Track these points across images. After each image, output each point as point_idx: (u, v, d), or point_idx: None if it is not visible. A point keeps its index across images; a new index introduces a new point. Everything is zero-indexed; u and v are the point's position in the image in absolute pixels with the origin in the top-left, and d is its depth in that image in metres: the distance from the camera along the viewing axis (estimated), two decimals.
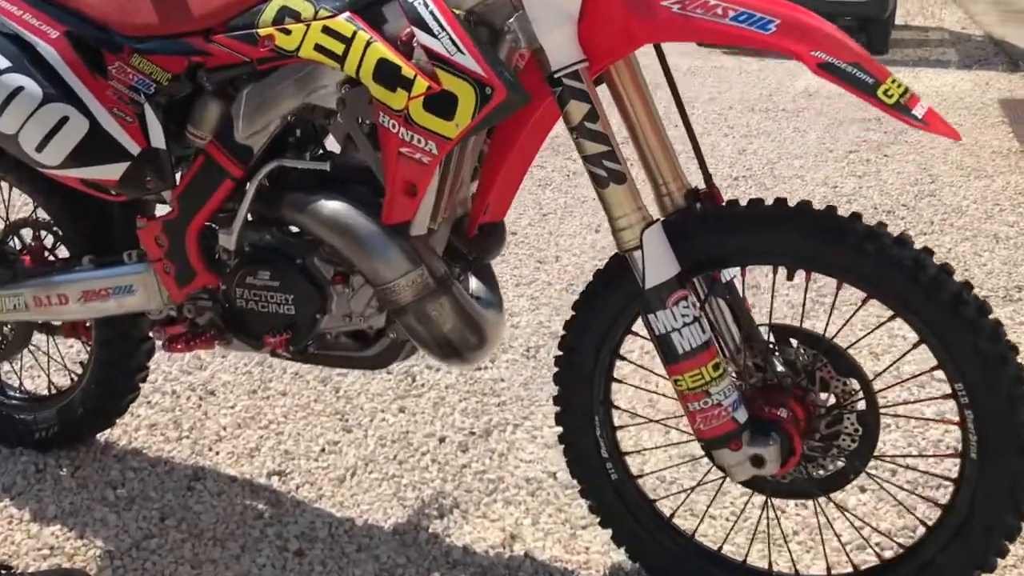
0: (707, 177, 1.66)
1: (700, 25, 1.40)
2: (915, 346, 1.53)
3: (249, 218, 1.77)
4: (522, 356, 2.77)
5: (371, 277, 1.61)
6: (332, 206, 1.63)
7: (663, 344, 1.53)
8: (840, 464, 1.62)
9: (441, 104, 1.46)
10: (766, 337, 1.64)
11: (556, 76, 1.46)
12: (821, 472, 1.64)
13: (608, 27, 1.46)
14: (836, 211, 1.50)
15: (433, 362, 2.71)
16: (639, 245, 1.51)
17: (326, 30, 1.56)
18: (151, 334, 1.93)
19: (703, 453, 1.66)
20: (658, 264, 1.50)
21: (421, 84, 1.48)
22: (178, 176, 1.80)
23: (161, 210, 1.88)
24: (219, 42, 1.67)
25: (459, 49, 1.44)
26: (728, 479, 1.65)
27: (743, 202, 1.57)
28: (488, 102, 1.43)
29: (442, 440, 2.34)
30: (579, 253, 3.62)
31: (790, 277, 1.57)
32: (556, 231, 3.87)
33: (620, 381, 1.77)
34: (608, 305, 1.65)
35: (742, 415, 1.55)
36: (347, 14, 1.56)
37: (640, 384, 2.18)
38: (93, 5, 1.77)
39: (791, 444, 1.57)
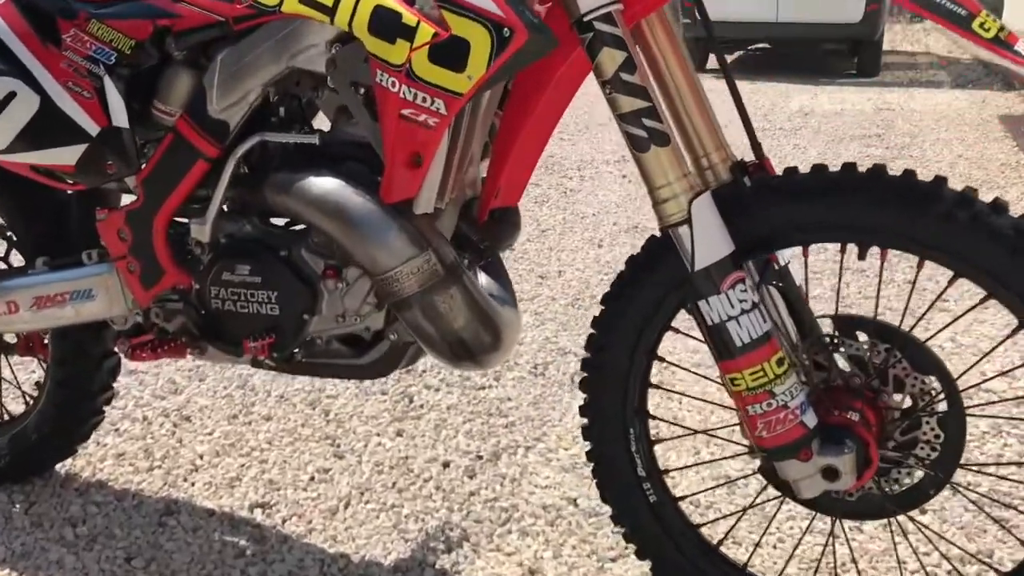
0: (756, 146, 1.44)
1: None
2: (1014, 332, 1.30)
3: (224, 207, 1.53)
4: (529, 373, 2.53)
5: (369, 265, 1.37)
6: (322, 183, 1.39)
7: (717, 336, 1.30)
8: (919, 476, 1.38)
9: (450, 53, 1.24)
10: (828, 330, 1.41)
11: (586, 20, 1.24)
12: (896, 486, 1.40)
13: None
14: (916, 175, 1.28)
15: (433, 381, 2.46)
16: (687, 218, 1.28)
17: None
18: (116, 348, 1.67)
19: (746, 469, 1.42)
20: (710, 240, 1.27)
21: (426, 31, 1.25)
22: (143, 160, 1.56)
23: (125, 200, 1.64)
24: (189, 1, 1.45)
25: None
26: (786, 498, 1.41)
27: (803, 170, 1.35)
28: (506, 46, 1.21)
29: (446, 465, 2.09)
30: (583, 268, 3.39)
31: (862, 256, 1.34)
32: (557, 246, 3.65)
33: (658, 387, 1.53)
34: (646, 295, 1.42)
35: (811, 419, 1.31)
36: None
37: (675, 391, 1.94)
38: None
39: (867, 453, 1.33)
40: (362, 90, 1.38)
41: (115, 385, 1.96)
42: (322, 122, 1.53)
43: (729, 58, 10.98)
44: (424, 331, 1.40)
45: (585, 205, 4.20)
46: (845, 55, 9.76)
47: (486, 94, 1.38)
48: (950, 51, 11.50)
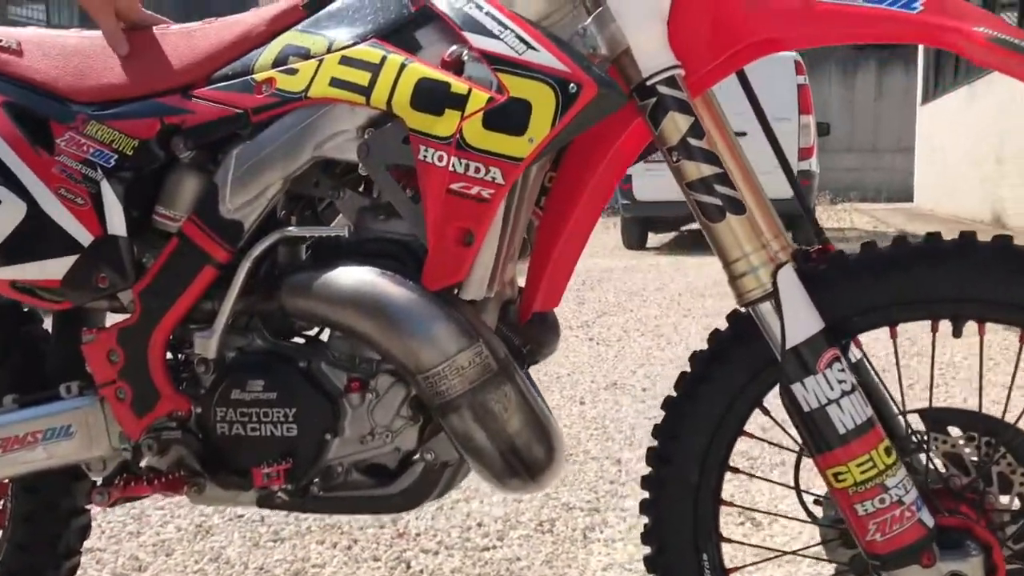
0: (818, 232, 1.35)
1: (829, 10, 1.12)
2: None
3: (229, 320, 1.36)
4: (535, 531, 2.31)
5: (413, 363, 1.20)
6: (354, 275, 1.24)
7: (815, 424, 1.14)
8: None
9: (509, 116, 1.13)
10: (914, 425, 1.27)
11: (649, 84, 1.15)
12: None
13: (704, 23, 1.17)
14: (1012, 241, 1.19)
15: (429, 544, 2.22)
16: (770, 292, 1.16)
17: (346, 61, 1.25)
18: (95, 498, 1.43)
19: None
20: (800, 315, 1.15)
21: (479, 97, 1.15)
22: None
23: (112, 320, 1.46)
24: (202, 97, 1.33)
25: (530, 46, 1.13)
26: None
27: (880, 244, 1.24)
28: (573, 102, 1.10)
29: None
30: (569, 424, 3.22)
31: (957, 333, 1.23)
32: None
33: (729, 503, 1.35)
34: (718, 391, 1.27)
35: (928, 518, 1.15)
36: (372, 40, 1.25)
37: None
38: (39, 70, 1.42)
39: (991, 557, 1.16)
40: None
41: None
42: None
43: (665, 238, 11.27)
44: (473, 439, 1.21)
45: (558, 366, 4.07)
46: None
47: (531, 176, 1.27)
48: (875, 226, 12.00)
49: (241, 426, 1.31)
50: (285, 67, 1.29)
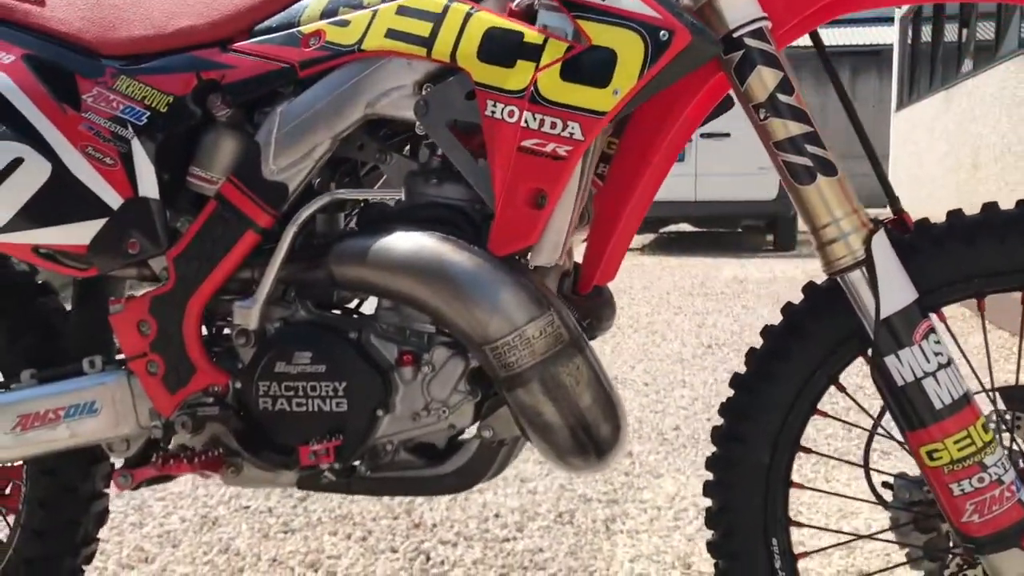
0: (893, 200, 1.28)
1: None
2: None
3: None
4: (555, 522, 2.23)
5: (480, 332, 1.12)
6: (413, 240, 1.16)
7: (909, 399, 1.08)
8: None
9: (590, 66, 1.06)
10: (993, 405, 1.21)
11: (736, 36, 1.09)
12: None
13: None
14: None
15: (448, 535, 2.14)
16: (861, 260, 1.09)
17: (403, 10, 1.17)
18: (118, 480, 1.34)
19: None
20: (895, 284, 1.08)
21: (556, 47, 1.07)
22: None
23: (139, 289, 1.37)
24: (243, 50, 1.25)
25: None
26: None
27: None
28: (664, 51, 1.03)
29: None
30: None
31: None
32: None
33: (800, 486, 1.29)
34: (794, 367, 1.20)
35: None
36: None
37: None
38: (63, 20, 1.33)
39: None
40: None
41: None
42: None
43: (646, 239, 11.25)
44: (542, 414, 1.14)
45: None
46: (758, 232, 10.09)
47: (598, 137, 1.19)
48: None
49: (286, 401, 1.23)
50: (335, 19, 1.21)
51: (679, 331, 4.84)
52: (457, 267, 1.13)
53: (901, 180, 15.55)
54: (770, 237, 9.71)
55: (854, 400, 1.25)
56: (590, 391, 1.14)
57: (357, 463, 1.26)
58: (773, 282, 6.85)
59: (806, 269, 7.61)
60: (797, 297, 1.22)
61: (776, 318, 1.23)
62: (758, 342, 1.25)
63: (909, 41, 12.54)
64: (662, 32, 1.03)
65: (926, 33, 12.81)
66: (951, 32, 12.04)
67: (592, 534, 2.16)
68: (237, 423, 1.27)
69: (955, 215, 1.17)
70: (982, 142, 10.72)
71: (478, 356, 1.15)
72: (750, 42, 1.09)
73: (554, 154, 1.08)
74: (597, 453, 1.17)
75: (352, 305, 1.39)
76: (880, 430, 1.23)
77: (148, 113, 1.26)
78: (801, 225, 12.33)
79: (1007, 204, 1.14)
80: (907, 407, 1.09)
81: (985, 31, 11.03)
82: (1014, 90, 8.70)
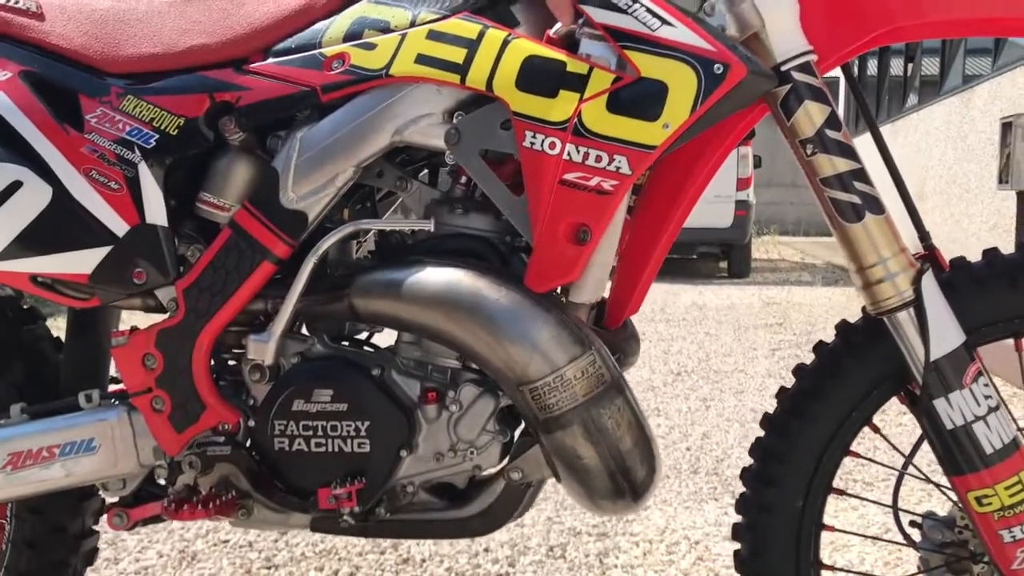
0: (924, 236, 1.26)
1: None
2: None
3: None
4: (547, 556, 2.18)
5: (518, 371, 1.07)
6: (444, 275, 1.11)
7: (958, 443, 1.06)
8: None
9: (640, 99, 1.02)
10: None
11: (784, 69, 1.06)
12: None
13: (837, 7, 1.09)
14: None
15: (438, 571, 2.08)
16: (910, 301, 1.07)
17: (435, 35, 1.12)
18: (112, 520, 1.26)
19: None
20: (945, 324, 1.06)
21: (603, 78, 1.04)
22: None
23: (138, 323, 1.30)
24: (260, 72, 1.20)
25: (665, 21, 1.02)
26: None
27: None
28: (718, 84, 1.00)
29: None
30: None
31: None
32: None
33: (830, 528, 1.26)
34: (830, 408, 1.17)
35: None
36: (464, 14, 1.13)
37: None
38: (64, 36, 1.26)
39: None
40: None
41: None
42: None
43: None
44: (581, 458, 1.09)
45: None
46: (712, 260, 10.18)
47: None
48: (803, 258, 12.22)
49: (304, 441, 1.17)
50: (360, 41, 1.17)
51: (646, 357, 4.82)
52: (494, 303, 1.08)
53: None
54: (723, 265, 9.80)
55: (888, 440, 1.23)
56: (631, 433, 1.10)
57: (377, 505, 1.20)
58: (732, 309, 6.89)
59: (762, 296, 7.68)
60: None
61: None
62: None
63: (855, 74, 12.82)
64: (716, 65, 1.00)
65: (872, 67, 13.12)
66: (896, 67, 12.35)
67: (586, 569, 2.11)
68: (250, 463, 1.20)
69: (992, 253, 1.16)
70: (928, 174, 10.96)
71: (514, 397, 1.10)
72: (797, 76, 1.06)
73: (599, 188, 1.04)
74: (633, 496, 1.13)
75: (362, 338, 1.34)
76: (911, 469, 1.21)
77: (157, 135, 1.20)
78: (756, 253, 12.51)
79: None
80: (955, 451, 1.06)
81: (929, 66, 11.32)
82: (959, 125, 8.93)
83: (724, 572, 2.09)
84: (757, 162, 10.35)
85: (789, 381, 1.23)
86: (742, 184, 9.18)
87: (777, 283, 8.93)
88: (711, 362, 4.66)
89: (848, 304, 7.16)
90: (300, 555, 2.15)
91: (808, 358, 1.21)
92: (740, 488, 2.23)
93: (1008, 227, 7.38)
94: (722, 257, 9.86)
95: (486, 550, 2.19)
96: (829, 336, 1.24)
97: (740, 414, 3.52)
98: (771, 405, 1.23)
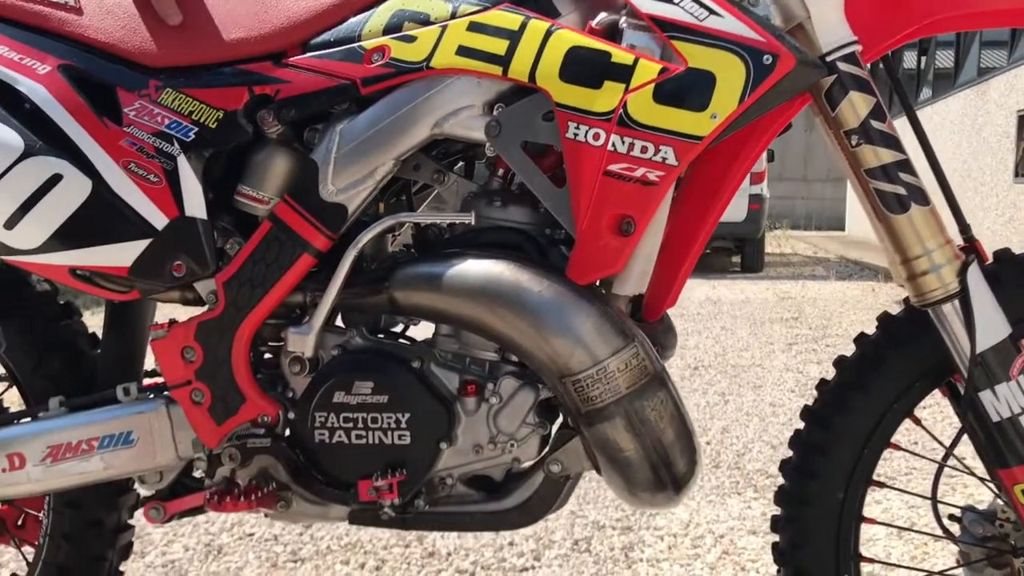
0: (964, 227, 1.25)
1: None
2: None
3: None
4: (572, 550, 2.18)
5: (562, 363, 1.07)
6: (485, 267, 1.11)
7: (1005, 436, 1.06)
8: None
9: (687, 89, 1.02)
10: None
11: (829, 60, 1.06)
12: None
13: None
14: None
15: (464, 565, 2.08)
16: (955, 293, 1.06)
17: (476, 27, 1.12)
18: (149, 513, 1.27)
19: None
20: (991, 316, 1.06)
21: (649, 68, 1.03)
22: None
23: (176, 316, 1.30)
24: (299, 65, 1.19)
25: (712, 11, 1.02)
26: None
27: None
28: (767, 75, 1.00)
29: None
30: None
31: None
32: None
33: (870, 520, 1.26)
34: (872, 400, 1.17)
35: None
36: (504, 5, 1.13)
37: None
38: (102, 30, 1.26)
39: None
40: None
41: None
42: None
43: None
44: (623, 450, 1.09)
45: None
46: (725, 254, 10.16)
47: None
48: (815, 252, 12.19)
49: (345, 433, 1.17)
50: (400, 34, 1.16)
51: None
52: (537, 295, 1.08)
53: (857, 203, 15.84)
54: (736, 259, 9.78)
55: (929, 432, 1.22)
56: (673, 426, 1.10)
57: (416, 497, 1.20)
58: (747, 303, 6.87)
59: (777, 291, 7.66)
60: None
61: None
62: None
63: (868, 67, 12.75)
64: (765, 56, 1.00)
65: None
66: (910, 60, 12.29)
67: (612, 563, 2.11)
68: (289, 455, 1.21)
69: None
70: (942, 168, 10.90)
71: (556, 389, 1.10)
72: (843, 66, 1.06)
73: (644, 179, 1.04)
74: (675, 488, 1.13)
75: (397, 330, 1.34)
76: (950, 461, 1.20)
77: (196, 128, 1.20)
78: (768, 247, 12.48)
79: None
80: (1002, 444, 1.06)
81: (943, 59, 11.27)
82: (974, 118, 8.90)
83: (750, 566, 2.09)
84: (770, 156, 10.33)
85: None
86: (756, 178, 9.16)
87: (791, 277, 8.92)
88: (728, 356, 4.65)
89: (862, 298, 7.15)
90: (326, 548, 2.15)
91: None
92: (762, 482, 2.22)
93: (1023, 221, 7.35)
94: (735, 251, 9.84)
95: (511, 544, 2.20)
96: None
97: (759, 408, 3.51)
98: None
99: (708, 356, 4.70)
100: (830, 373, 1.22)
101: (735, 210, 8.93)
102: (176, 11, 1.24)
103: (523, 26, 1.10)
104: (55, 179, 1.20)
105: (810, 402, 1.22)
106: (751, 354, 4.69)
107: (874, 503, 2.45)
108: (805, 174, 20.47)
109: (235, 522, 2.29)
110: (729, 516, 2.39)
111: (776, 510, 1.25)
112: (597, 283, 1.14)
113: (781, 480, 1.24)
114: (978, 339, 1.05)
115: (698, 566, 2.08)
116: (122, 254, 1.21)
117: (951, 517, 1.27)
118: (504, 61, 1.10)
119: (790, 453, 1.23)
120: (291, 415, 1.20)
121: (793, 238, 15.23)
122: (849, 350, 1.19)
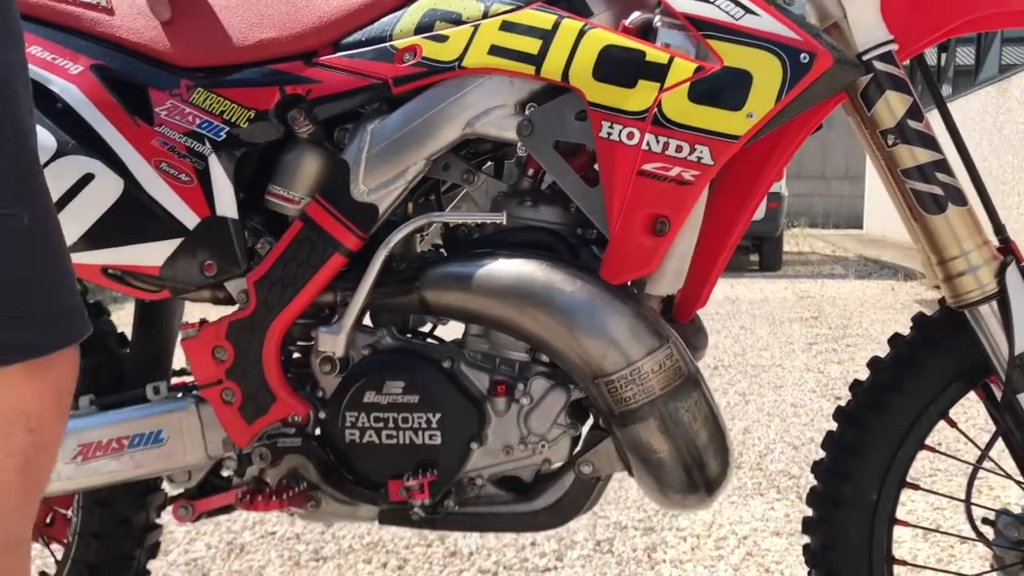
0: (999, 228, 1.24)
1: None
2: None
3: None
4: (594, 551, 2.18)
5: (593, 364, 1.07)
6: (517, 267, 1.11)
7: None
8: None
9: (723, 88, 1.01)
10: None
11: (865, 59, 1.05)
12: None
13: None
14: None
15: (487, 565, 2.08)
16: (993, 294, 1.05)
17: (508, 26, 1.12)
18: (178, 512, 1.27)
19: None
20: None
21: (684, 67, 1.03)
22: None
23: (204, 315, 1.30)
24: (330, 65, 1.19)
25: (748, 10, 1.01)
26: None
27: None
28: (804, 73, 0.99)
29: None
30: None
31: None
32: None
33: (903, 523, 1.25)
34: (907, 401, 1.16)
35: None
36: (537, 4, 1.12)
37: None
38: (134, 30, 1.27)
39: None
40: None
41: None
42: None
43: None
44: (656, 452, 1.09)
45: None
46: (743, 253, 10.13)
47: None
48: (834, 251, 12.13)
49: (376, 433, 1.17)
50: (431, 33, 1.16)
51: None
52: (569, 295, 1.08)
53: (878, 201, 15.76)
54: (755, 257, 9.75)
55: (964, 434, 1.21)
56: (707, 427, 1.09)
57: (446, 498, 1.20)
58: (766, 303, 6.85)
59: (795, 290, 7.63)
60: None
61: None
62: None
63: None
64: (803, 55, 0.99)
65: None
66: (929, 56, 12.21)
67: (635, 564, 2.10)
68: (320, 455, 1.21)
69: None
70: (961, 166, 10.82)
71: (588, 390, 1.10)
72: (879, 65, 1.05)
73: (679, 178, 1.04)
74: (707, 490, 1.12)
75: (426, 330, 1.33)
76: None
77: (227, 128, 1.20)
78: (786, 245, 12.44)
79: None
80: None
81: (964, 56, 11.19)
82: (995, 115, 8.83)
83: (774, 567, 2.07)
84: None
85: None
86: None
87: (809, 276, 8.88)
88: (747, 356, 4.63)
89: (882, 296, 7.11)
90: (348, 547, 2.15)
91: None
92: (785, 483, 2.21)
93: None
94: (753, 250, 9.81)
95: (533, 544, 2.19)
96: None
97: (780, 409, 3.49)
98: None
99: (728, 356, 4.68)
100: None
101: None
102: (166, 7, 1.24)
103: (556, 25, 1.10)
104: (87, 178, 1.20)
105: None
106: (771, 354, 4.67)
107: (899, 504, 2.43)
108: (823, 172, 20.38)
109: (257, 520, 2.30)
110: (752, 517, 2.38)
111: (806, 511, 1.24)
112: (629, 283, 1.13)
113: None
114: (1017, 340, 1.04)
115: (722, 567, 2.07)
116: (153, 253, 1.22)
117: (984, 520, 1.26)
118: (537, 60, 1.10)
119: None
120: (321, 415, 1.20)
121: (811, 236, 15.16)
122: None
